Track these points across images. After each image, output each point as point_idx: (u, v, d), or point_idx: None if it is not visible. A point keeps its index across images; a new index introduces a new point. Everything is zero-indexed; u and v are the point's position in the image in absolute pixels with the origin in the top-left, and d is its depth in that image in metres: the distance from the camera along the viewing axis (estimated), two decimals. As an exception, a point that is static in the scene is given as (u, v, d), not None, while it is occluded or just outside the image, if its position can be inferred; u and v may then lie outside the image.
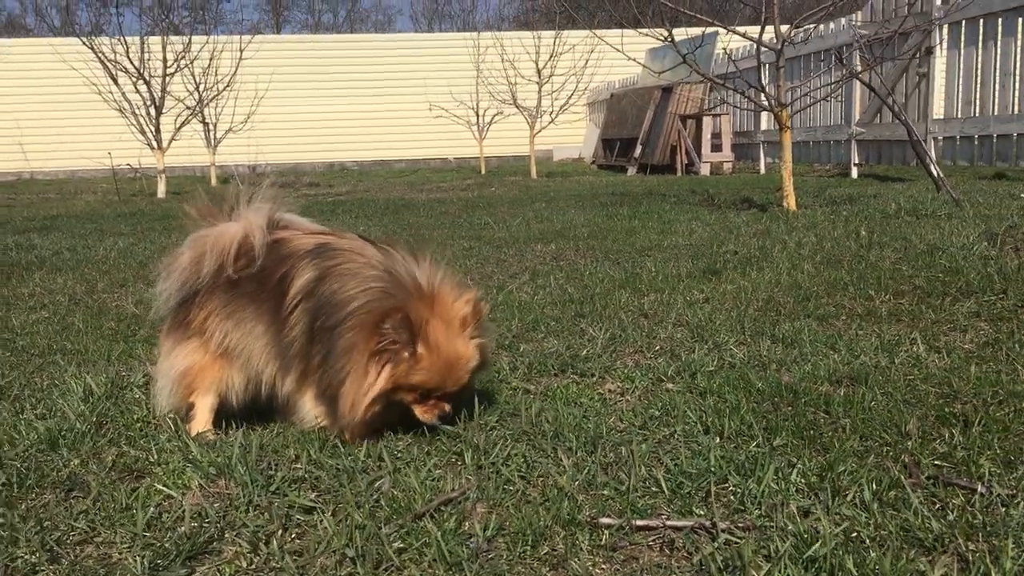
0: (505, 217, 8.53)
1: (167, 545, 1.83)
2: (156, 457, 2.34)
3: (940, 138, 10.63)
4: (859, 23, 11.51)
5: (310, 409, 2.44)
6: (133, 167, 15.75)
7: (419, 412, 2.36)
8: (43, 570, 1.76)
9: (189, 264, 2.50)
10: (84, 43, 14.15)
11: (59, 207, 12.53)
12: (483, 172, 18.04)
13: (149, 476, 2.23)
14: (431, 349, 2.28)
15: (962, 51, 10.40)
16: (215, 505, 2.03)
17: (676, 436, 2.41)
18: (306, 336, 2.34)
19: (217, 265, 2.45)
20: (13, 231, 8.60)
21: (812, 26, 8.16)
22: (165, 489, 2.12)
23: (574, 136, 22.40)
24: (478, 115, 18.19)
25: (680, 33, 8.91)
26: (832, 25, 12.51)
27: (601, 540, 1.84)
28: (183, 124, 14.93)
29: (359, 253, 2.40)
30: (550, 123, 16.66)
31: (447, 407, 2.37)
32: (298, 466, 2.25)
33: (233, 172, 17.95)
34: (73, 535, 1.91)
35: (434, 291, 2.34)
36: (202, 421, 2.53)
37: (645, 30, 8.74)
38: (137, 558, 1.77)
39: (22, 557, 1.79)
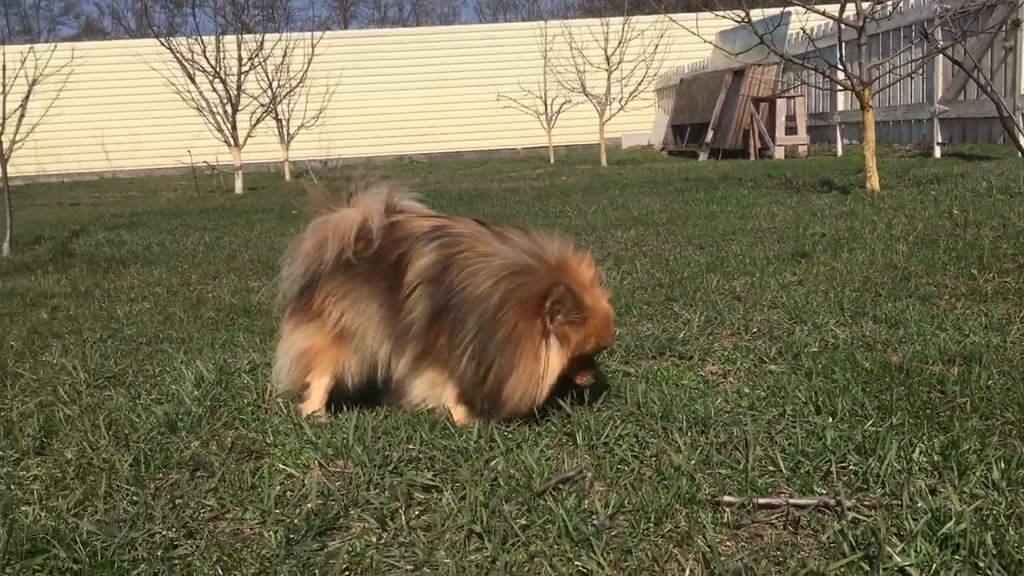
0: (580, 205, 8.51)
1: (297, 521, 1.87)
2: (272, 439, 2.40)
3: (1029, 114, 10.26)
4: (942, -2, 11.16)
5: (419, 391, 2.48)
6: (210, 164, 16.13)
7: (579, 379, 2.44)
8: (181, 544, 1.82)
9: (312, 250, 2.56)
10: (163, 43, 14.52)
11: (142, 204, 12.91)
12: (552, 161, 18.01)
13: (268, 457, 2.29)
14: (592, 313, 2.33)
15: (1052, 23, 10.01)
16: (337, 484, 2.07)
17: (786, 416, 2.38)
18: (427, 320, 2.37)
19: (339, 249, 2.50)
20: (103, 227, 8.88)
21: (895, 1, 7.94)
22: (286, 468, 2.17)
23: (642, 123, 22.20)
24: (546, 104, 18.15)
25: (754, 14, 8.76)
26: (912, 0, 12.16)
27: (724, 518, 1.83)
28: (258, 121, 15.22)
29: (479, 239, 2.41)
30: (619, 110, 16.54)
31: (594, 368, 2.50)
32: (411, 447, 2.28)
33: (306, 167, 18.24)
34: (204, 512, 1.97)
35: (563, 260, 2.38)
36: (315, 401, 2.58)
37: (720, 12, 8.61)
38: (271, 533, 1.82)
39: (160, 532, 1.86)
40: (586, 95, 16.64)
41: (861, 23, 7.60)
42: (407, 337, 2.41)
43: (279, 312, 2.84)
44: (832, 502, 1.85)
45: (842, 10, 7.76)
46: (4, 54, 8.36)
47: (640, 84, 16.75)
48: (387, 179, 2.70)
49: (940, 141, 11.39)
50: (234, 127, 14.67)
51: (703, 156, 16.24)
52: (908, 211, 6.02)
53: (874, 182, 7.58)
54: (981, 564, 1.56)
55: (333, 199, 2.66)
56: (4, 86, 7.42)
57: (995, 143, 10.87)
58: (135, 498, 2.03)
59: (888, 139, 13.35)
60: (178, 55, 14.28)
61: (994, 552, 1.58)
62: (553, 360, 2.31)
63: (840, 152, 14.01)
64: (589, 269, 2.41)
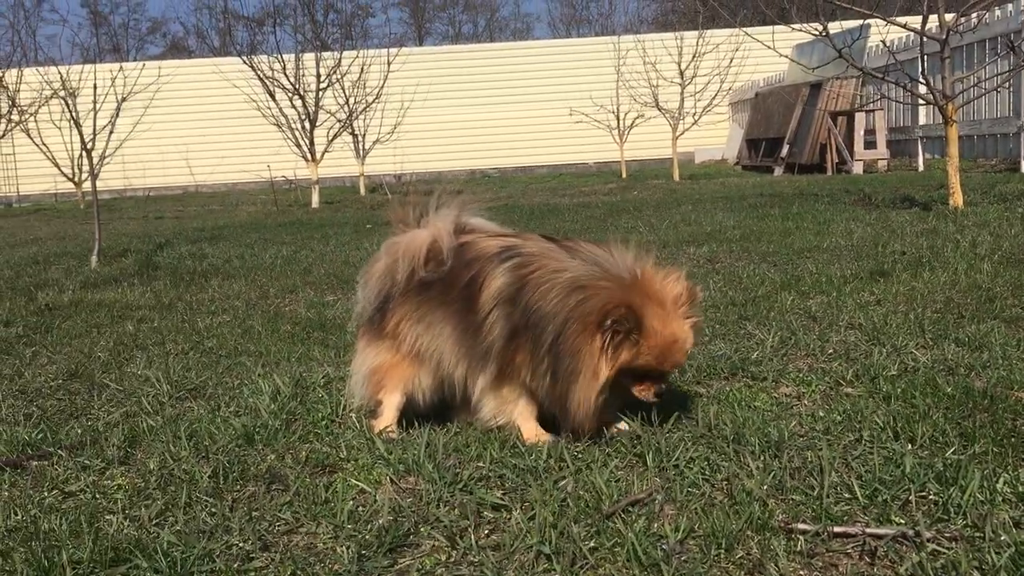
0: (652, 220, 8.46)
1: (368, 537, 1.90)
2: (345, 454, 2.44)
3: (1124, 128, 9.85)
4: (1030, 8, 10.82)
5: (491, 408, 2.50)
6: (288, 179, 16.49)
7: (637, 391, 2.41)
8: (257, 557, 1.86)
9: (384, 271, 2.62)
10: (244, 61, 14.93)
11: (223, 218, 13.26)
12: (624, 176, 17.94)
13: (341, 471, 2.33)
14: (652, 334, 2.31)
15: None
16: (408, 500, 2.10)
17: (863, 442, 2.33)
18: (504, 340, 2.39)
19: (409, 270, 2.55)
20: (186, 241, 9.15)
21: (981, 12, 7.71)
22: (359, 484, 2.21)
23: (716, 137, 21.97)
24: (618, 119, 18.10)
25: (833, 27, 8.61)
26: (998, 12, 11.80)
27: (797, 546, 1.80)
28: (335, 137, 15.52)
29: (549, 256, 2.41)
30: (692, 124, 16.41)
31: (663, 385, 2.43)
32: (481, 465, 2.30)
33: (381, 181, 18.52)
34: (279, 525, 2.01)
35: (640, 275, 2.36)
36: (387, 418, 2.62)
37: (797, 25, 8.49)
38: (343, 548, 1.86)
39: (237, 544, 1.91)
40: (659, 109, 16.55)
41: (944, 36, 7.41)
42: (485, 357, 2.43)
43: (354, 328, 2.90)
44: (911, 533, 1.81)
45: (924, 22, 7.58)
46: (95, 73, 8.70)
47: (714, 98, 16.59)
48: (458, 197, 2.73)
49: (1028, 156, 11.00)
50: (311, 142, 14.98)
51: (778, 171, 15.99)
52: (993, 228, 5.84)
53: (957, 198, 7.37)
54: (1069, 603, 1.50)
55: (405, 219, 2.71)
56: (95, 104, 7.71)
57: (1087, 158, 10.45)
58: (213, 509, 2.09)
59: (972, 154, 12.95)
60: (259, 72, 14.66)
61: (1083, 590, 1.52)
62: (604, 370, 2.31)
63: (922, 167, 13.64)
64: (673, 285, 2.37)
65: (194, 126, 22.23)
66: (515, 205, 12.22)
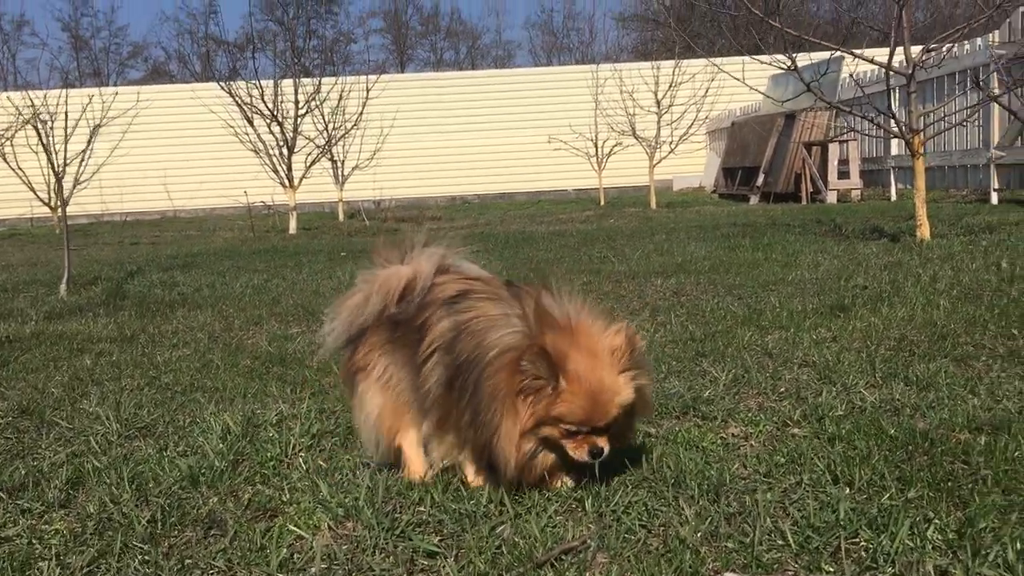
0: (624, 250, 8.50)
1: (298, 587, 1.90)
2: (288, 496, 2.44)
3: (1089, 160, 10.01)
4: (996, 43, 11.01)
5: (438, 454, 2.47)
6: (266, 204, 16.49)
7: (569, 448, 2.26)
8: (185, 607, 1.85)
9: (359, 304, 2.58)
10: (222, 87, 14.96)
11: (199, 244, 13.23)
12: (602, 203, 18.04)
13: (282, 515, 2.32)
14: (572, 380, 2.18)
15: (1112, 68, 9.80)
16: (344, 547, 2.09)
17: (803, 485, 2.34)
18: (442, 388, 2.34)
19: (381, 306, 2.52)
20: (158, 268, 9.12)
21: (947, 47, 7.84)
22: (296, 530, 2.20)
23: (694, 165, 22.16)
24: (597, 147, 18.24)
25: (804, 59, 8.72)
26: (967, 46, 12.00)
27: (725, 595, 1.81)
28: (313, 163, 15.54)
29: (495, 298, 2.37)
30: (669, 153, 16.55)
31: (599, 442, 2.25)
32: (422, 509, 2.29)
33: (359, 207, 18.54)
34: (212, 574, 2.00)
35: (576, 323, 2.25)
36: (417, 463, 2.53)
37: (767, 58, 8.60)
38: (271, 599, 1.85)
39: (166, 594, 1.89)
40: (636, 138, 16.69)
41: (910, 70, 7.52)
42: (428, 403, 2.39)
43: (317, 363, 2.87)
44: (837, 582, 1.82)
45: (891, 57, 7.69)
46: (67, 98, 8.69)
47: (690, 127, 16.75)
48: (445, 238, 2.71)
49: (997, 187, 11.17)
50: (289, 168, 15.00)
51: (754, 199, 16.13)
52: (955, 263, 5.91)
53: (924, 231, 7.46)
54: (982, 657, 1.51)
55: (390, 256, 2.66)
56: (66, 130, 7.71)
57: (1054, 189, 10.61)
58: (147, 557, 2.08)
59: (944, 184, 13.12)
60: (237, 98, 14.68)
61: (997, 644, 1.53)
62: (522, 418, 2.20)
63: (894, 196, 13.81)
64: (613, 338, 2.24)
65: (173, 151, 22.23)
66: (492, 233, 12.26)
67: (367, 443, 2.59)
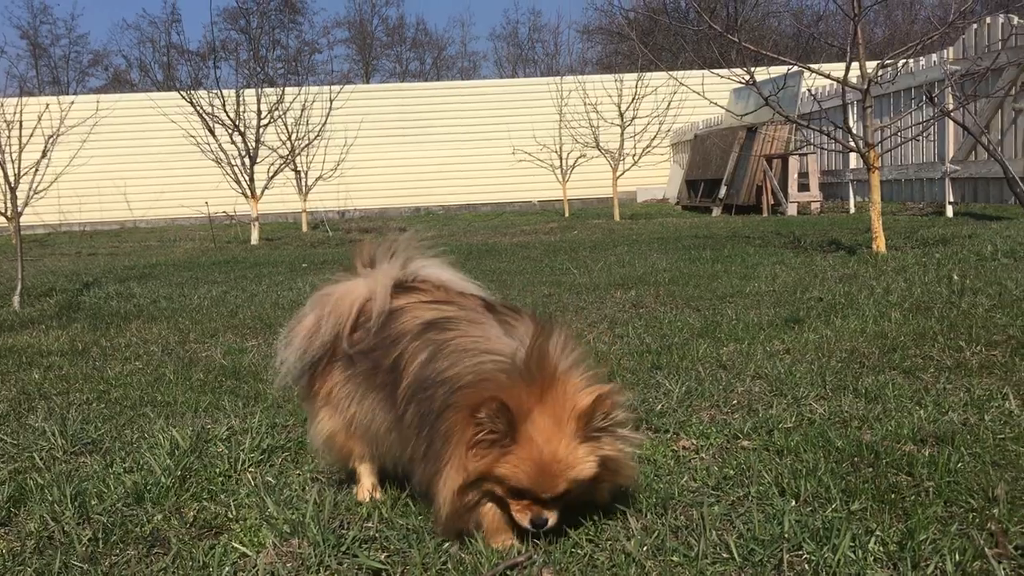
0: (587, 262, 8.54)
1: (239, 606, 1.87)
2: (235, 513, 2.41)
3: (1040, 175, 10.22)
4: (950, 60, 11.23)
5: (416, 483, 2.24)
6: (228, 215, 16.34)
7: (513, 510, 2.05)
8: (122, 628, 1.82)
9: (309, 330, 2.44)
10: (183, 97, 14.81)
11: (159, 255, 13.07)
12: (566, 215, 18.10)
13: (227, 533, 2.29)
14: (526, 445, 1.96)
15: (1061, 85, 10.02)
16: (287, 565, 2.07)
17: (750, 498, 2.36)
18: (415, 428, 2.16)
19: (333, 334, 2.38)
20: (115, 280, 8.99)
21: (902, 63, 7.98)
22: (241, 548, 2.17)
23: (658, 177, 22.33)
24: (561, 158, 18.30)
25: (763, 73, 8.84)
26: (922, 62, 12.23)
27: (668, 610, 1.81)
28: (276, 173, 15.43)
29: (475, 326, 2.18)
30: (632, 165, 16.64)
31: (545, 513, 2.02)
32: (369, 525, 2.28)
33: (323, 218, 18.44)
34: (152, 593, 1.97)
35: (550, 377, 2.00)
36: (366, 484, 2.49)
37: (726, 72, 8.69)
38: (210, 619, 1.82)
39: (103, 615, 1.86)
40: (600, 150, 16.77)
41: (865, 86, 7.64)
42: (404, 443, 2.21)
43: (276, 388, 2.79)
44: (779, 595, 1.83)
45: (847, 72, 7.81)
46: (21, 107, 8.54)
47: (653, 139, 16.86)
48: (409, 243, 2.55)
49: (952, 200, 11.36)
50: (251, 179, 14.88)
51: (716, 211, 16.28)
52: (909, 275, 6.00)
53: (880, 243, 7.57)
54: (916, 669, 1.53)
55: (368, 261, 2.53)
56: (20, 140, 7.58)
57: (1007, 203, 10.82)
58: (86, 576, 2.04)
59: (901, 197, 13.33)
60: (198, 108, 14.56)
61: (931, 656, 1.55)
62: (471, 475, 2.01)
63: (853, 209, 14.00)
64: (582, 400, 2.00)
65: (133, 161, 21.97)
66: (456, 244, 12.24)
67: (316, 451, 2.56)
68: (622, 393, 2.12)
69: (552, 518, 2.04)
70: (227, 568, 2.05)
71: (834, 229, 10.49)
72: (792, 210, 14.52)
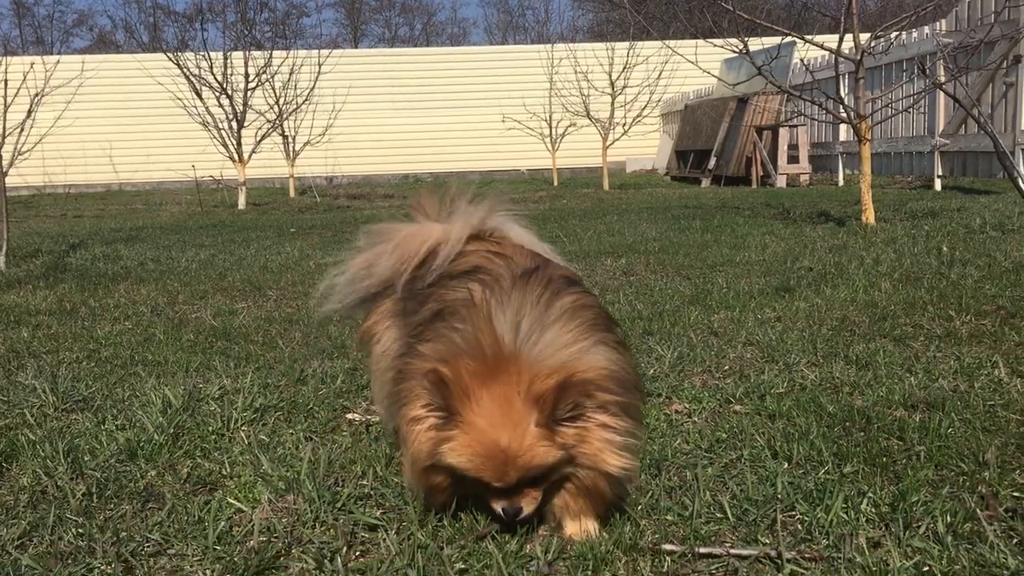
0: (576, 230, 8.53)
1: (236, 559, 1.87)
2: (229, 470, 2.41)
3: (1029, 149, 10.26)
4: (943, 32, 11.20)
5: None
6: (215, 179, 16.21)
7: (491, 500, 1.88)
8: (118, 581, 1.82)
9: (367, 263, 2.32)
10: (170, 59, 14.64)
11: (145, 218, 12.97)
12: (556, 184, 18.05)
13: (221, 489, 2.29)
14: (466, 429, 1.77)
15: (1053, 59, 10.03)
16: (283, 520, 2.07)
17: (743, 460, 2.38)
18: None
19: (393, 269, 2.23)
20: (101, 242, 8.92)
21: (895, 35, 7.95)
22: (236, 503, 2.17)
23: (647, 147, 22.27)
24: (551, 127, 18.22)
25: (756, 43, 8.80)
26: (915, 34, 12.19)
27: (663, 567, 1.83)
28: (263, 137, 15.31)
29: (482, 302, 1.90)
30: (623, 135, 16.60)
31: (517, 502, 1.84)
32: (364, 483, 2.28)
33: (310, 184, 18.33)
34: (147, 547, 1.97)
35: (521, 350, 1.78)
36: None
37: (720, 41, 8.65)
38: (207, 572, 1.83)
39: (98, 568, 1.86)
40: (590, 119, 16.70)
41: (859, 57, 7.62)
42: None
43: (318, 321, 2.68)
44: (773, 553, 1.85)
45: (840, 43, 7.78)
46: (6, 66, 8.41)
47: (644, 109, 16.80)
48: (496, 197, 2.39)
49: (941, 174, 11.39)
50: (239, 143, 14.76)
51: (706, 182, 16.27)
52: (898, 246, 6.02)
53: (869, 215, 7.58)
54: (909, 624, 1.55)
55: (433, 210, 2.39)
56: (5, 99, 7.47)
57: (995, 178, 10.87)
58: (81, 530, 2.04)
59: (890, 170, 13.35)
60: (185, 70, 14.39)
61: (924, 612, 1.57)
62: (419, 448, 1.84)
63: (842, 182, 14.02)
64: (544, 382, 1.75)
65: (119, 123, 21.72)
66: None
67: (384, 417, 2.36)
68: (624, 378, 1.87)
69: (525, 507, 1.85)
70: (223, 523, 2.05)
71: (823, 201, 10.51)
72: (781, 182, 14.53)
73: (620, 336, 2.01)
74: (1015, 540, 1.86)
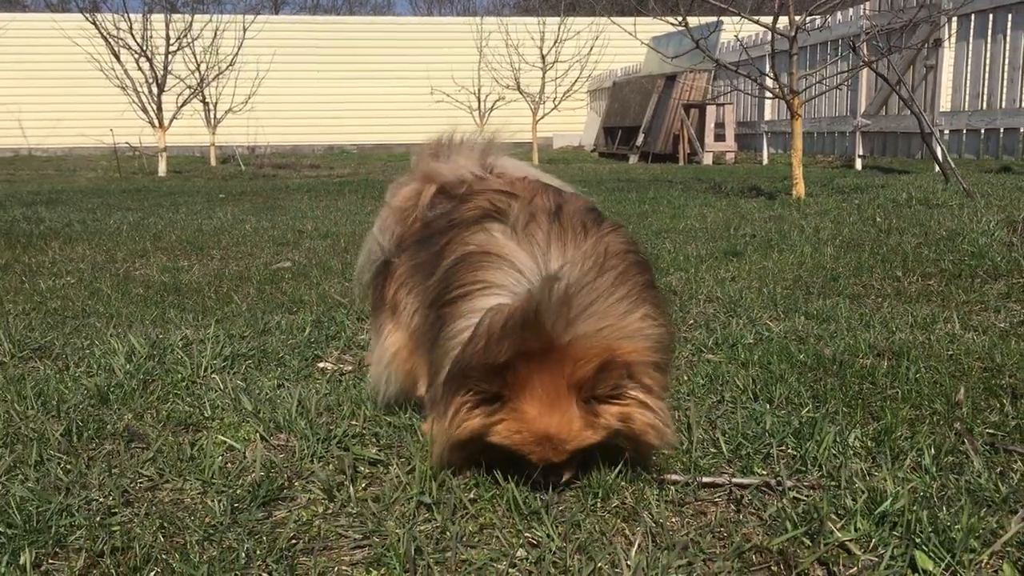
0: (515, 199, 8.52)
1: (240, 491, 1.84)
2: (210, 412, 2.35)
3: (946, 131, 10.67)
4: (869, 13, 11.53)
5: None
6: (132, 145, 15.67)
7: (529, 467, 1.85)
8: (119, 511, 1.76)
9: (407, 198, 2.25)
10: (87, 18, 14.06)
11: (60, 183, 12.47)
12: (484, 158, 18.00)
13: (206, 430, 2.24)
14: (517, 418, 1.74)
15: (971, 44, 10.43)
16: (280, 456, 2.04)
17: (725, 402, 2.43)
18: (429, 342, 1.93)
19: (403, 215, 2.19)
20: (20, 203, 8.55)
21: (826, 13, 8.16)
22: (227, 441, 2.13)
23: (575, 124, 22.39)
24: (480, 100, 18.15)
25: (677, 24, 8.91)
26: (840, 15, 12.52)
27: (669, 495, 1.86)
28: (184, 103, 14.86)
29: (507, 255, 1.81)
30: (553, 109, 16.64)
31: (557, 472, 1.84)
32: (355, 423, 2.26)
33: (234, 152, 17.88)
34: (142, 481, 1.92)
35: (568, 328, 1.70)
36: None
37: (659, 16, 8.74)
38: (214, 502, 1.78)
39: (96, 499, 1.80)
40: (520, 93, 16.69)
41: (793, 33, 7.79)
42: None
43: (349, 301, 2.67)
44: (773, 482, 1.90)
45: (775, 20, 7.95)
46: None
47: (574, 84, 16.87)
48: (492, 136, 2.34)
49: (861, 154, 11.76)
50: (159, 108, 14.30)
51: (633, 159, 16.45)
52: (833, 217, 6.20)
53: (800, 189, 7.79)
54: (918, 540, 1.61)
55: (438, 150, 2.32)
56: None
57: (913, 158, 11.27)
58: (68, 466, 1.97)
59: (812, 150, 13.71)
60: (103, 31, 13.84)
61: (930, 529, 1.64)
62: (456, 426, 1.78)
63: (766, 160, 14.34)
64: (583, 366, 1.71)
65: (28, 85, 20.77)
66: (375, 180, 12.06)
67: (376, 381, 2.21)
68: (662, 347, 1.84)
69: (567, 474, 1.86)
70: (217, 459, 2.00)
71: (751, 177, 10.74)
72: (708, 159, 14.79)
73: (657, 287, 1.96)
74: (999, 470, 1.95)
